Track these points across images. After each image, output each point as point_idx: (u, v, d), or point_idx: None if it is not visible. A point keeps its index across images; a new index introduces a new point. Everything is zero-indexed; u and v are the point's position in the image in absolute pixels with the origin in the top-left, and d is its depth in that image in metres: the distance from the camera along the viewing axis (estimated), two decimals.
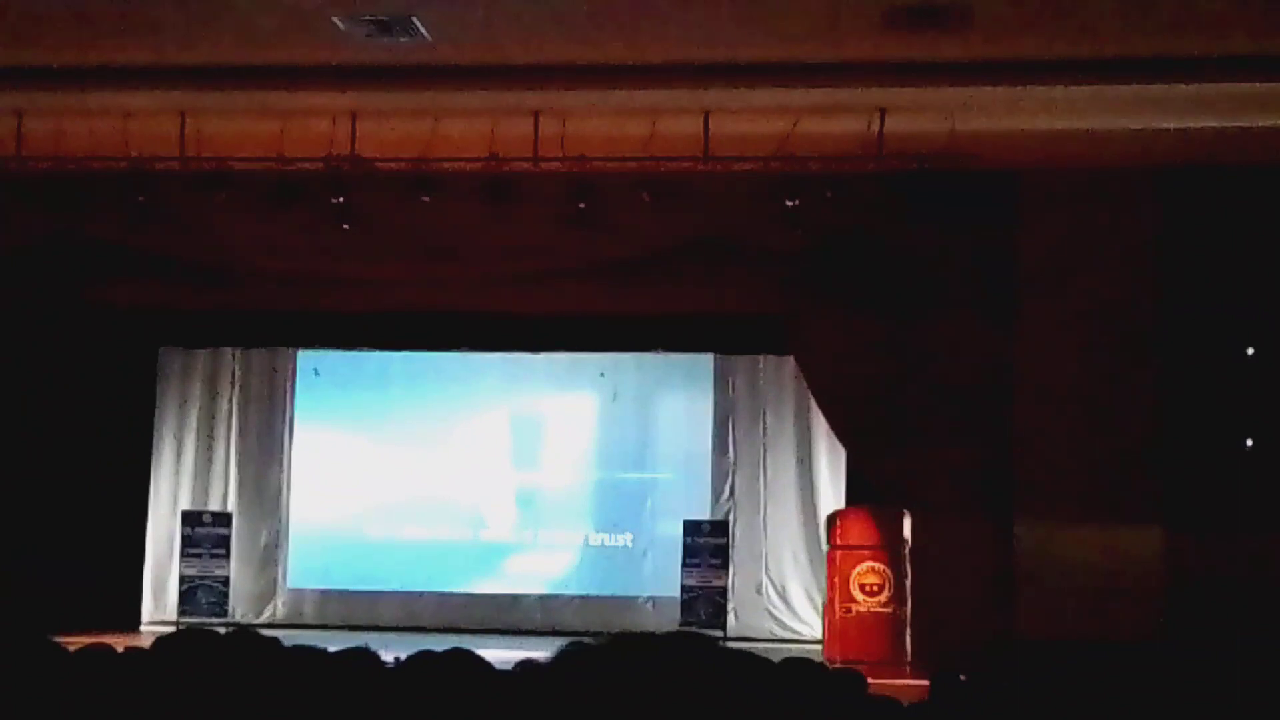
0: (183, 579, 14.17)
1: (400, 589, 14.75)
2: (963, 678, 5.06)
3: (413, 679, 3.15)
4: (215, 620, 13.50)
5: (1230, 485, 11.08)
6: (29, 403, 13.43)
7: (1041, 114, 9.96)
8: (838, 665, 11.77)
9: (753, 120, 9.94)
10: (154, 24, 8.99)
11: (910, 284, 11.36)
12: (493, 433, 14.98)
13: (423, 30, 8.94)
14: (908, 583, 12.30)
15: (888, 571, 12.55)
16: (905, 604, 12.32)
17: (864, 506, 12.99)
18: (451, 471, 14.95)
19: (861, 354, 11.57)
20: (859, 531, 12.75)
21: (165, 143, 10.36)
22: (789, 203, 10.36)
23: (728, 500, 14.71)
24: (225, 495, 15.05)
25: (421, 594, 14.72)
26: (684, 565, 13.89)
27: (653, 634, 1.89)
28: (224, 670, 3.01)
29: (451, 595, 14.71)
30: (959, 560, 11.40)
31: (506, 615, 14.31)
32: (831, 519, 13.25)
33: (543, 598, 14.37)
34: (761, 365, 14.71)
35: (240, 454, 15.13)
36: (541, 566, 14.83)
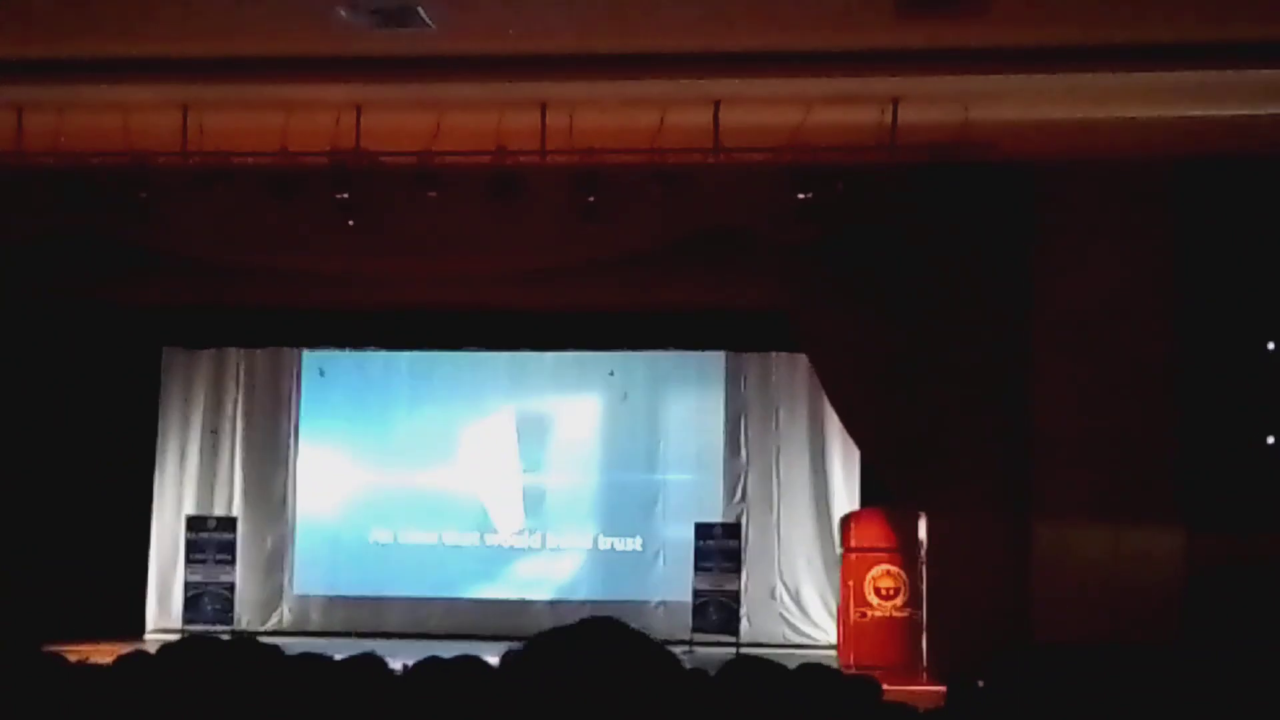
0: (188, 585, 14.16)
1: (407, 594, 14.72)
2: (980, 683, 5.01)
3: (420, 686, 3.12)
4: (220, 627, 13.49)
5: (1251, 483, 11.00)
6: (30, 404, 13.43)
7: (1058, 103, 9.90)
8: (852, 671, 11.73)
9: (764, 111, 9.90)
10: (154, 16, 8.98)
11: (925, 278, 11.32)
12: (500, 433, 14.95)
13: (427, 20, 8.91)
14: (923, 586, 12.22)
15: (903, 574, 12.51)
16: (921, 607, 12.25)
17: (879, 507, 12.95)
18: (458, 473, 14.92)
19: (876, 350, 11.54)
20: (874, 533, 12.71)
21: (167, 137, 10.34)
22: (801, 195, 10.34)
23: (740, 502, 14.67)
24: (230, 499, 15.04)
25: (429, 600, 14.70)
26: (695, 569, 13.85)
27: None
28: (229, 679, 2.99)
29: (459, 601, 14.67)
30: (976, 562, 11.34)
31: (515, 621, 14.24)
32: (846, 520, 13.20)
33: (551, 603, 14.33)
34: (774, 362, 14.67)
35: (245, 457, 15.12)
36: (550, 571, 14.80)
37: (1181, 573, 10.97)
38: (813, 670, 3.94)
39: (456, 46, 9.38)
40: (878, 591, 12.54)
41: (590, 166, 10.40)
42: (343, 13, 8.87)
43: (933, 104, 9.79)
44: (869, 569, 12.56)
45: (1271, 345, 11.20)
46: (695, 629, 13.72)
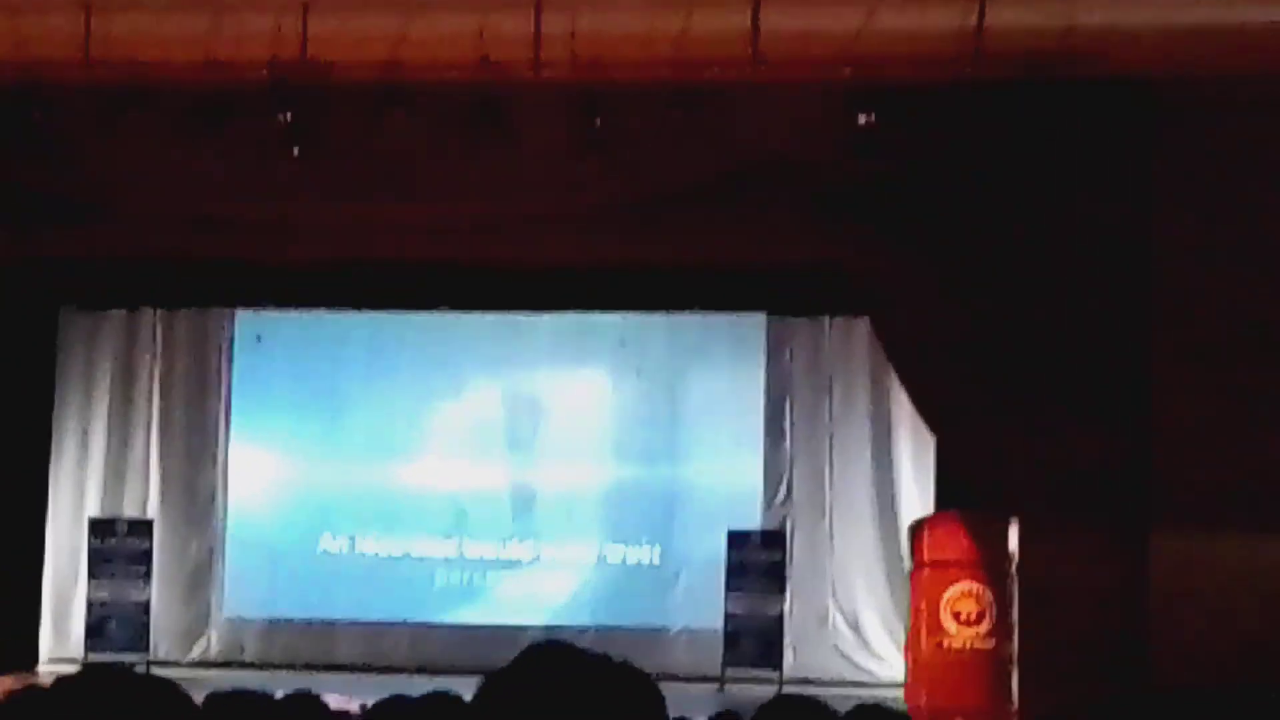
0: (91, 605, 14.31)
1: (365, 619, 14.86)
2: None
3: None
4: (132, 657, 13.58)
5: None
6: None
7: (1185, 2, 9.90)
8: (923, 715, 11.81)
9: (815, 13, 9.94)
10: None
11: (1016, 223, 11.35)
12: (482, 416, 15.04)
13: None
14: (1014, 610, 12.30)
15: (989, 595, 12.56)
16: (1011, 637, 12.30)
17: (959, 511, 12.99)
18: (430, 467, 15.03)
19: (954, 313, 11.56)
20: (952, 544, 12.76)
21: (65, 46, 10.38)
22: (861, 120, 10.35)
23: (784, 504, 14.77)
24: (144, 499, 15.17)
25: (391, 625, 14.85)
26: (727, 588, 13.97)
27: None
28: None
29: (430, 627, 14.83)
30: (1080, 581, 11.38)
31: (499, 653, 14.22)
32: (916, 528, 13.26)
33: (547, 629, 14.45)
34: (827, 329, 14.74)
35: (163, 446, 15.24)
36: (543, 590, 14.93)
37: None
38: (873, 713, 4.02)
39: None
40: (956, 616, 12.61)
41: (596, 85, 10.42)
42: None
43: (1028, 4, 9.80)
44: (945, 588, 12.62)
45: None
46: (728, 663, 13.85)
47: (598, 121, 10.55)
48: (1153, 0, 9.94)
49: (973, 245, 11.44)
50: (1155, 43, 10.47)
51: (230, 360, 15.27)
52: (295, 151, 10.87)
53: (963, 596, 12.64)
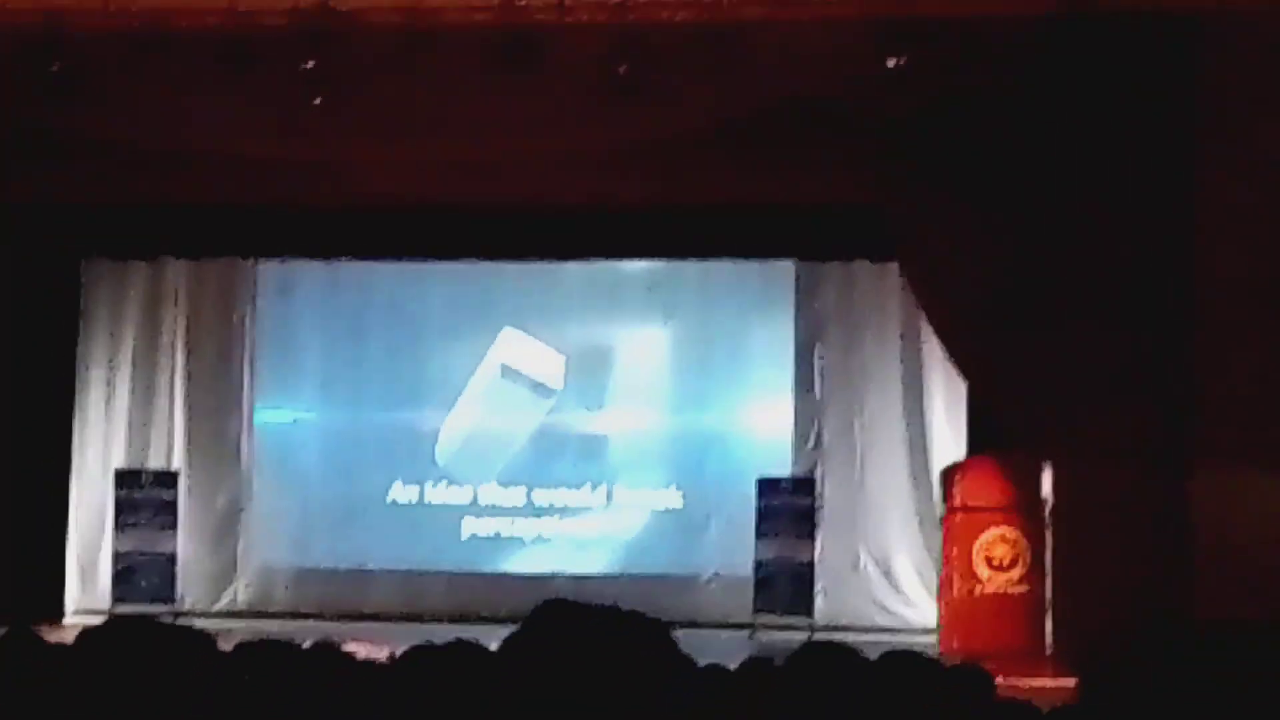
0: (117, 556, 14.33)
1: (396, 567, 14.86)
2: (1120, 674, 5.01)
3: (409, 679, 3.14)
4: (160, 607, 13.63)
5: None
6: None
7: None
8: (957, 660, 11.76)
9: None
10: None
11: (1054, 164, 11.27)
12: (508, 364, 15.00)
13: None
14: (1048, 554, 12.28)
15: (1022, 540, 12.58)
16: (1045, 581, 12.32)
17: (991, 455, 12.98)
18: (457, 415, 15.00)
19: (989, 256, 11.56)
20: (985, 488, 12.77)
21: None
22: (894, 59, 10.28)
23: (814, 450, 14.72)
24: (170, 449, 15.16)
25: (421, 573, 14.83)
26: (758, 534, 13.94)
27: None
28: (167, 672, 3.00)
29: (461, 575, 14.82)
30: (1116, 523, 11.37)
31: (530, 600, 14.33)
32: (949, 472, 13.25)
33: (576, 578, 14.44)
34: (858, 273, 14.66)
35: (188, 396, 15.21)
36: (574, 537, 14.92)
37: None
38: (906, 659, 4.01)
39: None
40: (989, 561, 12.62)
41: (624, 26, 10.36)
42: None
43: None
44: (979, 533, 12.63)
45: None
46: (758, 609, 13.84)
47: (624, 66, 10.50)
48: None
49: (1007, 186, 11.39)
50: None
51: (254, 310, 15.25)
52: (319, 99, 10.88)
53: (996, 541, 12.65)
